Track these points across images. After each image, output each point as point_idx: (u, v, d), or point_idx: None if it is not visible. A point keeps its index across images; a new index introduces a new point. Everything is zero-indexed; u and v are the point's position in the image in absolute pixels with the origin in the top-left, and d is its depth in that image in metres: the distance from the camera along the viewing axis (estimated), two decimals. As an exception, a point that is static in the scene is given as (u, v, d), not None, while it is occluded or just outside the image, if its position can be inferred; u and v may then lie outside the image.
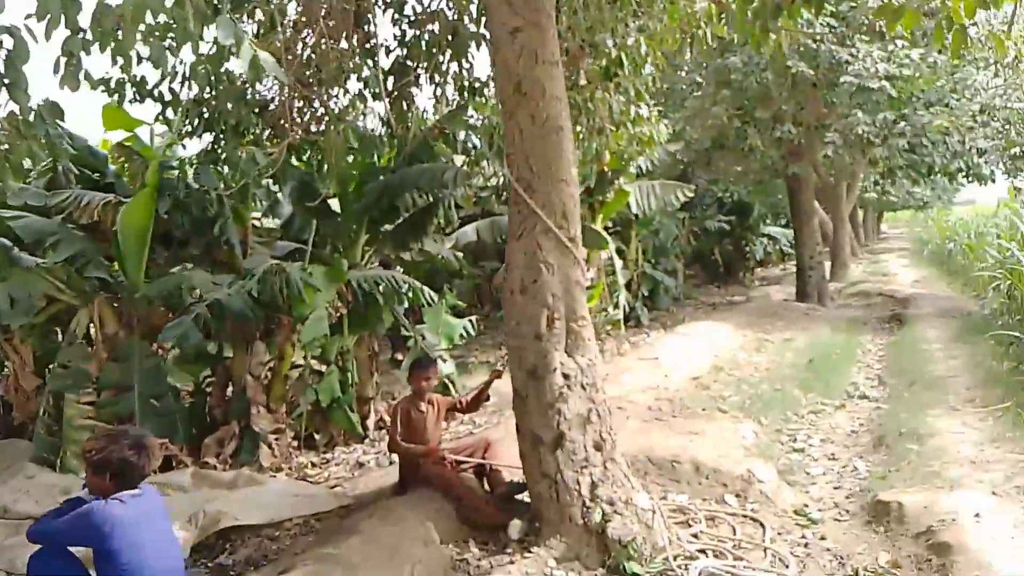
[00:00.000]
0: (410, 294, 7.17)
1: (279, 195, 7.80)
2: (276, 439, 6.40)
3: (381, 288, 6.75)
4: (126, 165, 6.46)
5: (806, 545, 4.65)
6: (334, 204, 7.47)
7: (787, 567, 4.35)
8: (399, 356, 7.65)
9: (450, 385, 7.58)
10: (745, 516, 5.08)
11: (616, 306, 10.57)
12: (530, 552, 4.39)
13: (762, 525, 4.92)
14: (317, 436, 7.05)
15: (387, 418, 7.36)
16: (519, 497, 4.94)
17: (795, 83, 12.48)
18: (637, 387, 8.11)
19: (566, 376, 4.54)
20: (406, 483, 5.14)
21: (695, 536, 4.74)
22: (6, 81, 3.77)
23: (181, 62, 5.25)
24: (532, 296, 4.59)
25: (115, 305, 6.21)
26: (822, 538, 4.74)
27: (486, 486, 5.13)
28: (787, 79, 12.32)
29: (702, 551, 4.53)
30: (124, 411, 6.04)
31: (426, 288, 7.41)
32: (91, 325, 6.07)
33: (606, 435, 4.62)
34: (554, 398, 4.50)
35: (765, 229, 21.93)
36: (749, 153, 14.36)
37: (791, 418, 7.35)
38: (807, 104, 13.34)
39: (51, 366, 6.02)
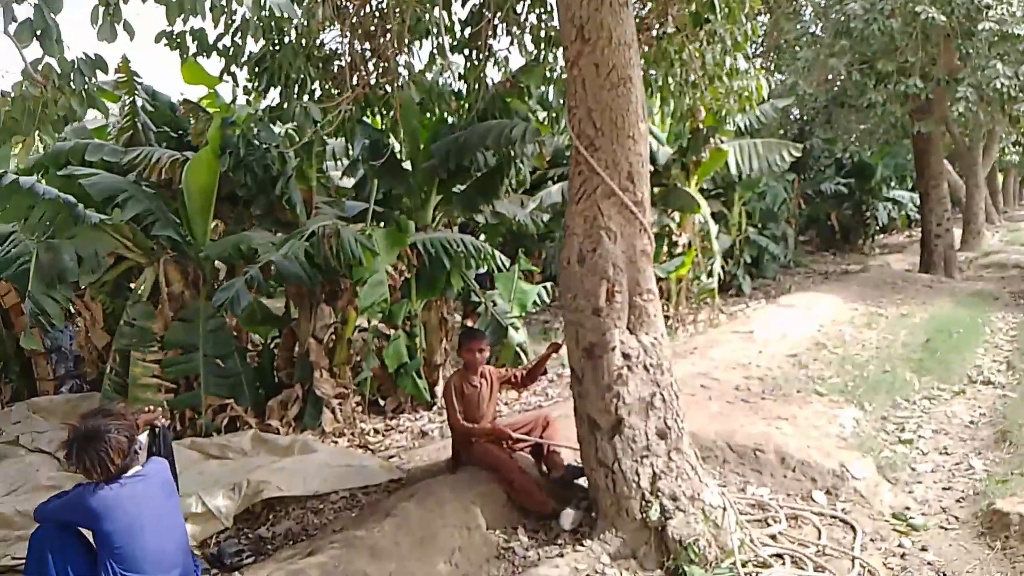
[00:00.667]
0: (481, 258, 6.84)
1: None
2: (339, 404, 6.25)
3: (450, 251, 6.44)
4: (191, 122, 6.36)
5: (903, 556, 4.05)
6: (408, 164, 7.18)
7: (877, 584, 3.77)
8: (469, 323, 7.37)
9: (521, 354, 7.23)
10: (834, 517, 4.51)
11: (710, 274, 9.88)
12: (582, 545, 4.01)
13: (853, 529, 4.34)
14: (383, 402, 6.89)
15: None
16: (579, 482, 4.56)
17: (925, 32, 11.17)
18: (726, 363, 7.50)
19: (626, 356, 4.09)
20: (459, 460, 4.84)
21: (772, 538, 4.22)
22: (37, 33, 3.62)
23: (234, 12, 5.01)
24: (591, 267, 4.14)
25: (181, 264, 6.16)
26: (923, 549, 4.12)
27: (544, 468, 4.76)
28: (915, 27, 11.03)
29: (779, 556, 4.02)
30: (190, 370, 6.04)
31: (498, 253, 7.05)
32: (158, 284, 6.04)
33: (671, 422, 4.14)
34: (612, 380, 4.06)
35: (890, 193, 20.23)
36: (869, 110, 13.08)
37: (900, 404, 6.58)
38: (939, 56, 11.95)
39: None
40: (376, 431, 6.33)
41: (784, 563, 3.95)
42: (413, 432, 6.31)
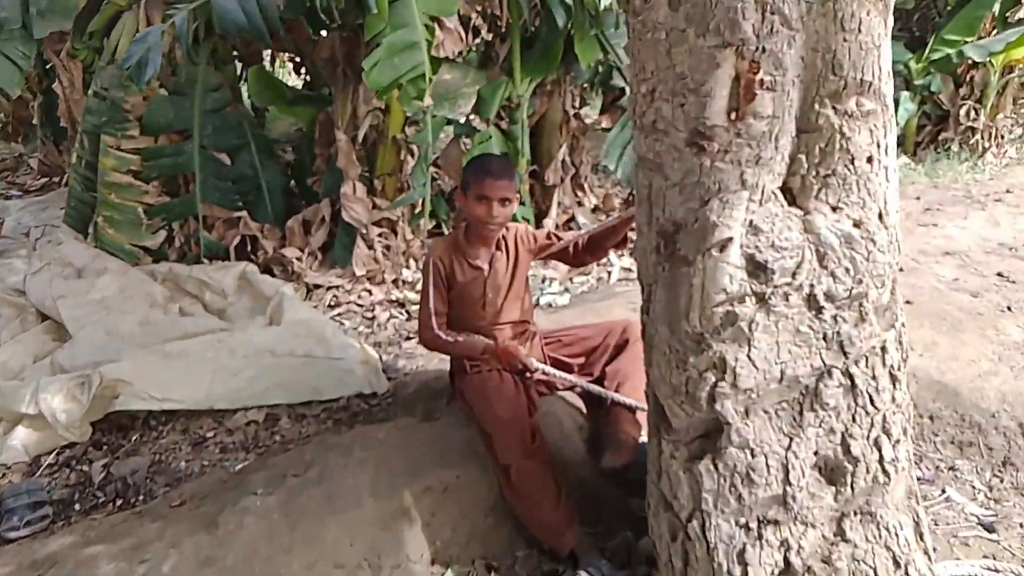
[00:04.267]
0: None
1: None
2: (380, 236, 4.26)
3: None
4: None
5: None
6: None
7: None
8: (606, 122, 4.79)
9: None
10: None
11: (1067, 62, 6.01)
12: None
13: None
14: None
15: (581, 220, 4.82)
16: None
17: None
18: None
19: (761, 268, 1.54)
20: (455, 390, 2.71)
21: None
22: None
23: None
24: (694, 14, 1.52)
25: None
26: None
27: (604, 431, 2.48)
28: None
29: None
30: (180, 167, 4.33)
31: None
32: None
33: (867, 447, 1.62)
34: (710, 325, 1.57)
35: None
36: None
37: None
38: None
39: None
40: (431, 281, 4.28)
41: None
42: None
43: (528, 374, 2.50)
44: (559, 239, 2.64)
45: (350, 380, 3.03)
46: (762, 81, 1.52)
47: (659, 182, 1.68)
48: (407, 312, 3.98)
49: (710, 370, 1.61)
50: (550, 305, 3.87)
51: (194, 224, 4.50)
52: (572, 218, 4.79)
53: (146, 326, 3.43)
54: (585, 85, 4.73)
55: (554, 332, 2.73)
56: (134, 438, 2.82)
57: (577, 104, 4.72)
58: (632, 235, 2.70)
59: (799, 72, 1.55)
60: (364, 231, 4.21)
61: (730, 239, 1.54)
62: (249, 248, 4.47)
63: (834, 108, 1.56)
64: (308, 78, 5.69)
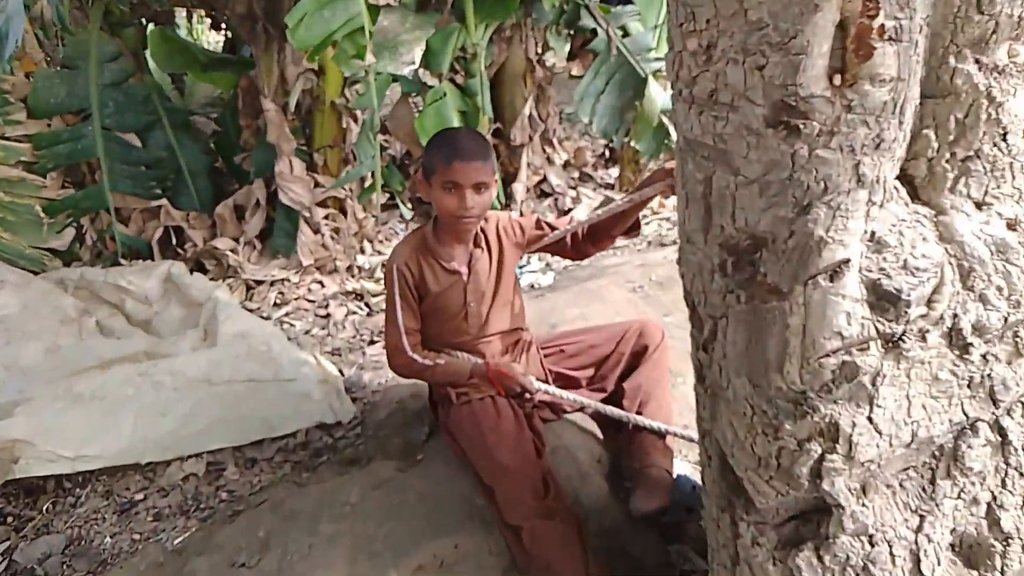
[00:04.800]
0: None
1: None
2: (327, 217, 3.70)
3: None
4: None
5: None
6: None
7: None
8: (576, 69, 4.26)
9: (671, 128, 4.12)
10: None
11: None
12: None
13: None
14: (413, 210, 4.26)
15: (554, 180, 4.34)
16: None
17: None
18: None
19: (891, 299, 1.07)
20: (438, 420, 2.24)
21: None
22: None
23: None
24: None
25: (51, -37, 3.56)
26: None
27: (625, 463, 2.05)
28: None
29: None
30: (82, 153, 3.70)
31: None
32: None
33: (1022, 520, 1.19)
34: (815, 381, 1.12)
35: None
36: None
37: None
38: None
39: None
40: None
41: None
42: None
43: (528, 396, 2.06)
44: (552, 228, 2.16)
45: (307, 407, 2.54)
46: (882, 28, 1.04)
47: (724, 177, 1.20)
48: (367, 306, 3.47)
49: (814, 439, 1.17)
50: (532, 286, 3.40)
51: (107, 218, 3.89)
52: (544, 179, 4.30)
53: (54, 354, 2.85)
54: (548, 28, 4.18)
55: (554, 340, 2.26)
56: (46, 506, 2.29)
57: (541, 50, 4.18)
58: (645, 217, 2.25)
59: (927, 13, 1.08)
60: (307, 214, 3.65)
61: (846, 261, 1.08)
62: (174, 241, 3.88)
63: (977, 61, 1.10)
64: (228, 35, 5.00)
